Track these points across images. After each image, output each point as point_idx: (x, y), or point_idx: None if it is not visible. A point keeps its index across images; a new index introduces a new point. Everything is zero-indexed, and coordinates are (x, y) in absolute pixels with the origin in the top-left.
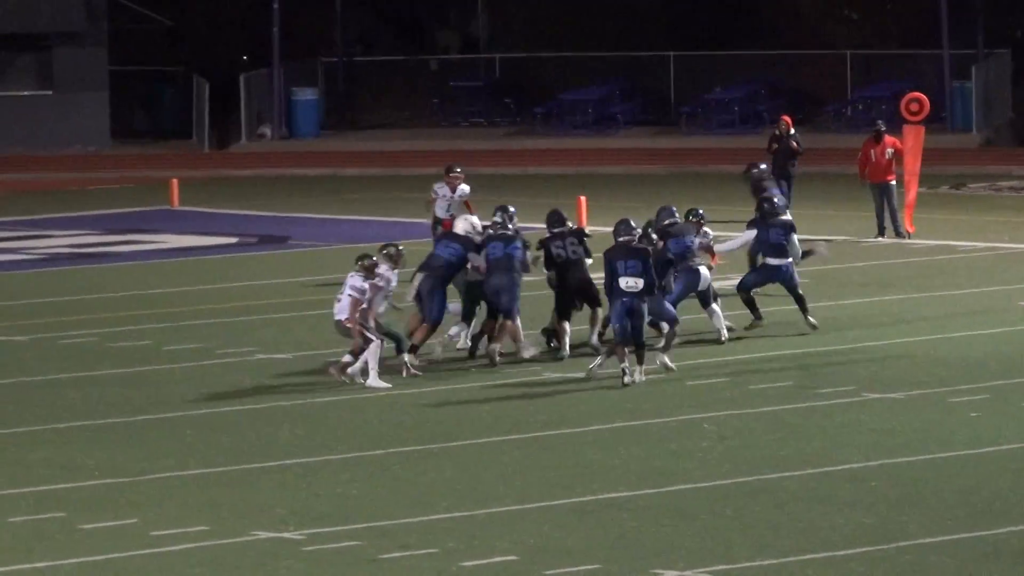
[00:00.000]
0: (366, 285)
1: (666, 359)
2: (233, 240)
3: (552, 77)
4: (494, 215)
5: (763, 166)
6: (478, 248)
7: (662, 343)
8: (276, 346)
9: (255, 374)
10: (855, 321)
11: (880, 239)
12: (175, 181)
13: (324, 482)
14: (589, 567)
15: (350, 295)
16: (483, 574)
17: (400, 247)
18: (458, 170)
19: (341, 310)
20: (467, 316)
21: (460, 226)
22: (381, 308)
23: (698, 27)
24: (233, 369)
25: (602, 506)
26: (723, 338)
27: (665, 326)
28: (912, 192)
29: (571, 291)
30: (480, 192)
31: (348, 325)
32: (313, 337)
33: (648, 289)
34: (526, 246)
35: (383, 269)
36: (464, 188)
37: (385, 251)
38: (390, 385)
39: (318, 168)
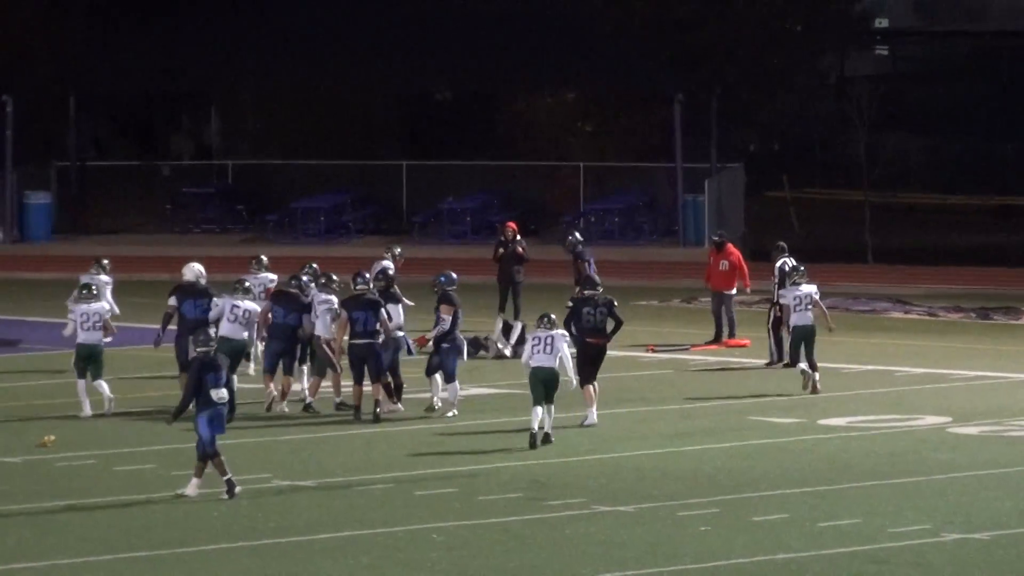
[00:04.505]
0: None
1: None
2: None
3: (284, 185)
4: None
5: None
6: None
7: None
8: (7, 450)
9: None
10: (585, 433)
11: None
12: None
13: None
14: None
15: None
16: None
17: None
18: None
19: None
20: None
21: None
22: None
23: (432, 137)
24: None
25: None
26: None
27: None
28: None
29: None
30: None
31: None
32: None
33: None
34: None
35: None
36: None
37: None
38: None
39: (50, 272)
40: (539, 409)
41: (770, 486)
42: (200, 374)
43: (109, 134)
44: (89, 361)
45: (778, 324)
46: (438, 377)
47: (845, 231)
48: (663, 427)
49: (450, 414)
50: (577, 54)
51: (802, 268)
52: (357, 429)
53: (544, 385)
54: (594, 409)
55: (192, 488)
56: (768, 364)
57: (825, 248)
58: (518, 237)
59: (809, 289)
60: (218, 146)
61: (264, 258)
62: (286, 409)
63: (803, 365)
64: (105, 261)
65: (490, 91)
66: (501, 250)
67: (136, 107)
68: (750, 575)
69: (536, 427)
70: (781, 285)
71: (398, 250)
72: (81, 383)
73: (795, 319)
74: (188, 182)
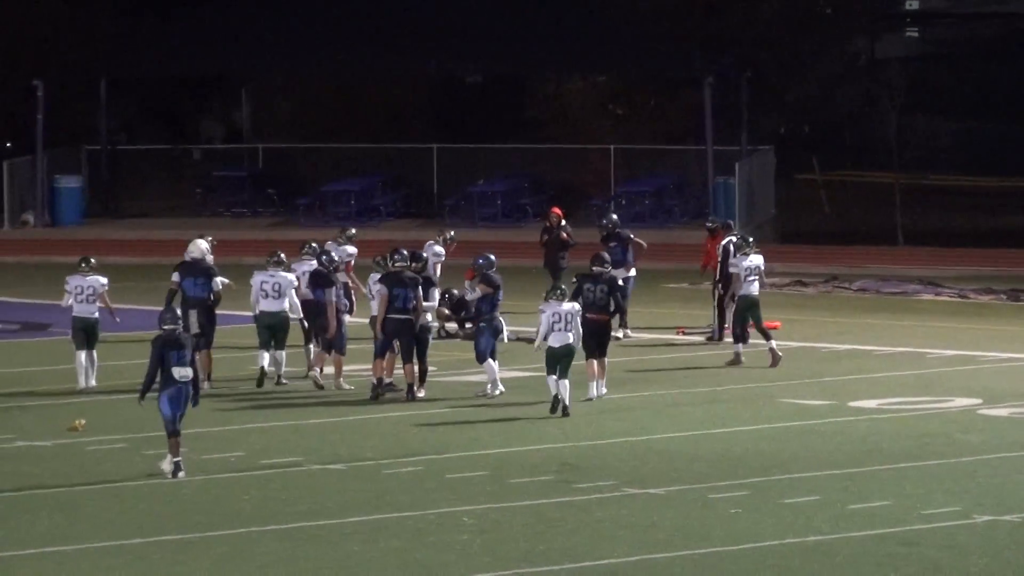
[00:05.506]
0: None
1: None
2: None
3: (315, 168)
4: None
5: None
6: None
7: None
8: (38, 434)
9: (14, 461)
10: (616, 415)
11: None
12: None
13: (83, 572)
14: None
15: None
16: None
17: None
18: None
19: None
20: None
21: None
22: None
23: (462, 121)
24: None
25: None
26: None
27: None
28: None
29: None
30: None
31: None
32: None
33: None
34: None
35: None
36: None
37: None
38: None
39: (80, 256)
40: (554, 377)
41: (800, 468)
42: (162, 351)
43: (139, 118)
44: (85, 334)
45: (722, 300)
46: (491, 360)
47: (876, 213)
48: (693, 409)
49: (496, 392)
50: (607, 37)
51: (751, 239)
52: (387, 412)
53: (561, 361)
54: (594, 384)
55: (166, 463)
56: (709, 339)
57: (856, 230)
58: (563, 223)
59: (757, 260)
60: (248, 130)
61: (352, 230)
62: (346, 385)
63: (774, 343)
64: (209, 238)
65: (520, 74)
66: (546, 236)
67: (166, 91)
68: (780, 557)
69: (558, 391)
70: (723, 264)
71: (451, 234)
72: (81, 354)
73: (742, 289)
74: (218, 166)
